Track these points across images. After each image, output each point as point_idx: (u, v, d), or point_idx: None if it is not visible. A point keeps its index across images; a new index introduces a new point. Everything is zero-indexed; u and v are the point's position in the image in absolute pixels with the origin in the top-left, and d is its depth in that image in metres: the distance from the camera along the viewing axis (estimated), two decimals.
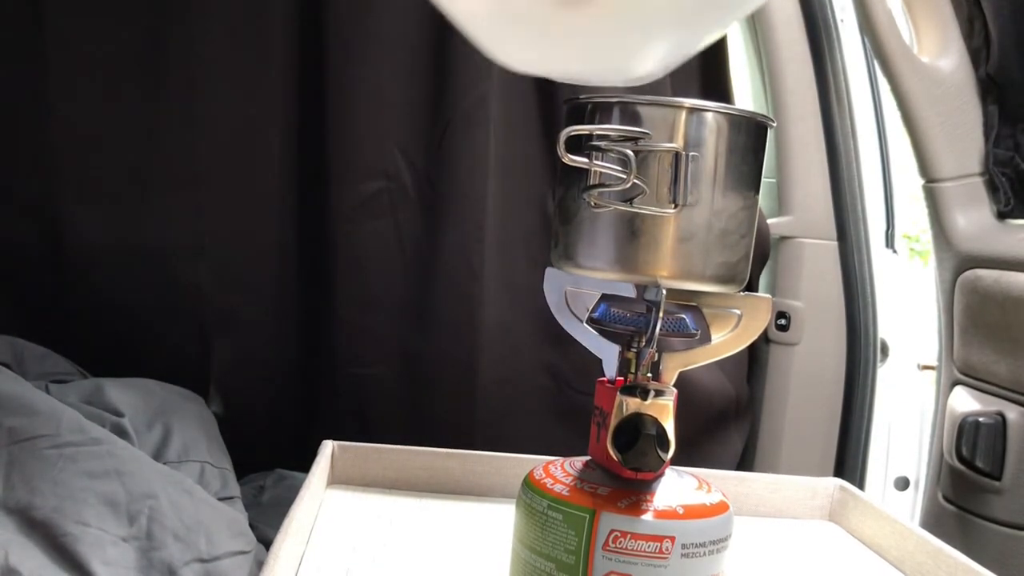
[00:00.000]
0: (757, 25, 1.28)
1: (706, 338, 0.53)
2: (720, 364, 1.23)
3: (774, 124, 0.54)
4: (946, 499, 1.09)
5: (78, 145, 1.12)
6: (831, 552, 0.78)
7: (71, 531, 0.73)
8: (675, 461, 0.53)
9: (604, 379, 0.54)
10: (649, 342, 0.50)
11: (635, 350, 0.53)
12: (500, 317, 1.18)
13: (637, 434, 0.49)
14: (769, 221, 1.28)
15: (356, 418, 1.19)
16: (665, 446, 0.50)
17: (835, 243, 1.28)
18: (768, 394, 1.32)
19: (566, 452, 0.58)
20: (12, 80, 1.11)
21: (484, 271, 1.16)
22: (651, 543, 0.49)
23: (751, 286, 0.86)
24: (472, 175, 1.16)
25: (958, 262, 1.08)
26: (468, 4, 0.33)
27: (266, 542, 0.89)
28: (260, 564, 0.80)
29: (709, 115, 0.51)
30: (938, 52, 1.09)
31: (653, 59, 0.36)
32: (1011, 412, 1.00)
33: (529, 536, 0.52)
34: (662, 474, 0.53)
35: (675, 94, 1.20)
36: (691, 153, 0.49)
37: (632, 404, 0.50)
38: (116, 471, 0.80)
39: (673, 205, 0.49)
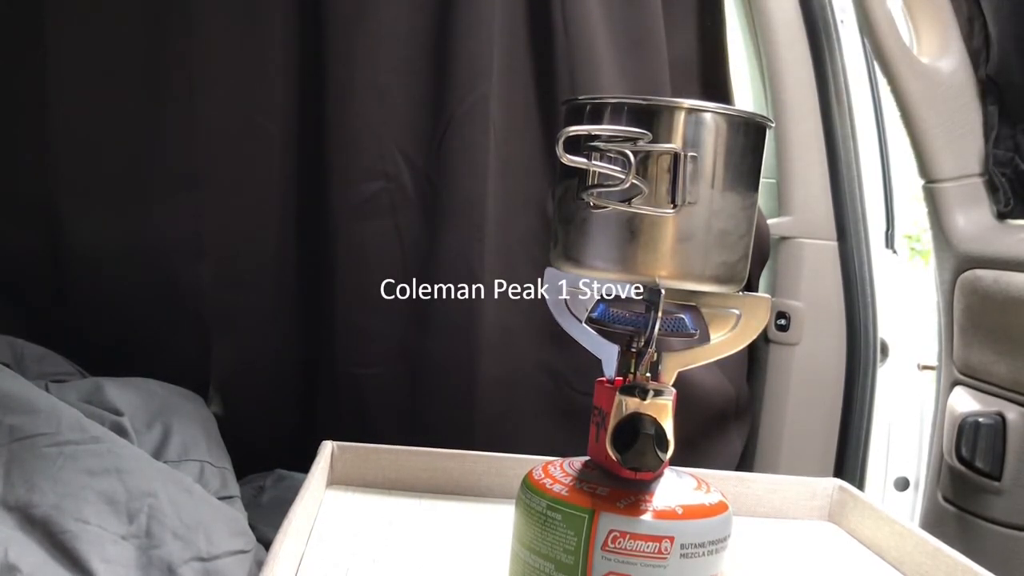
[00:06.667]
0: (757, 26, 1.28)
1: (705, 338, 0.54)
2: (720, 364, 1.22)
3: (772, 124, 0.54)
4: (946, 499, 1.09)
5: (78, 146, 1.12)
6: (830, 552, 0.78)
7: (71, 528, 0.73)
8: (674, 461, 0.53)
9: (603, 379, 0.54)
10: (648, 342, 0.50)
11: (634, 350, 0.53)
12: (500, 317, 1.18)
13: (636, 434, 0.50)
14: (769, 221, 1.27)
15: (356, 418, 1.19)
16: (664, 446, 0.50)
17: (835, 243, 1.28)
18: (768, 394, 1.32)
19: (566, 452, 0.58)
20: (12, 81, 1.11)
21: (484, 271, 1.16)
22: (650, 543, 0.49)
23: (750, 286, 0.86)
24: (472, 175, 1.16)
25: (958, 262, 1.08)
26: None
27: (266, 542, 0.89)
28: (260, 564, 0.80)
29: (708, 115, 0.51)
30: (938, 53, 1.09)
31: None
32: (1011, 412, 1.00)
33: (528, 536, 0.52)
34: (661, 474, 0.53)
35: (675, 94, 1.20)
36: (690, 153, 0.49)
37: (631, 404, 0.50)
38: (116, 469, 0.80)
39: (672, 205, 0.50)
